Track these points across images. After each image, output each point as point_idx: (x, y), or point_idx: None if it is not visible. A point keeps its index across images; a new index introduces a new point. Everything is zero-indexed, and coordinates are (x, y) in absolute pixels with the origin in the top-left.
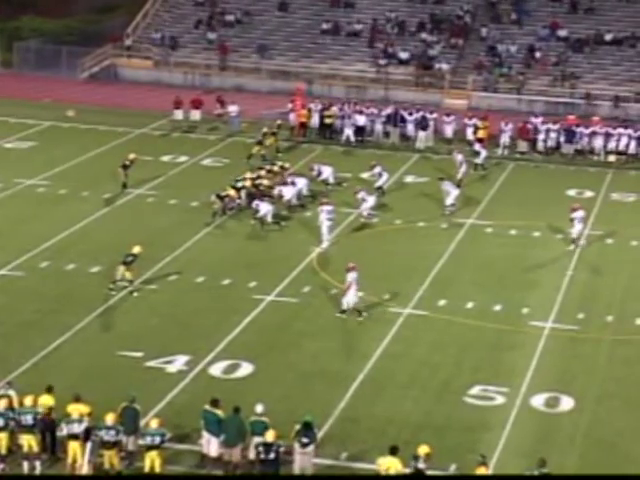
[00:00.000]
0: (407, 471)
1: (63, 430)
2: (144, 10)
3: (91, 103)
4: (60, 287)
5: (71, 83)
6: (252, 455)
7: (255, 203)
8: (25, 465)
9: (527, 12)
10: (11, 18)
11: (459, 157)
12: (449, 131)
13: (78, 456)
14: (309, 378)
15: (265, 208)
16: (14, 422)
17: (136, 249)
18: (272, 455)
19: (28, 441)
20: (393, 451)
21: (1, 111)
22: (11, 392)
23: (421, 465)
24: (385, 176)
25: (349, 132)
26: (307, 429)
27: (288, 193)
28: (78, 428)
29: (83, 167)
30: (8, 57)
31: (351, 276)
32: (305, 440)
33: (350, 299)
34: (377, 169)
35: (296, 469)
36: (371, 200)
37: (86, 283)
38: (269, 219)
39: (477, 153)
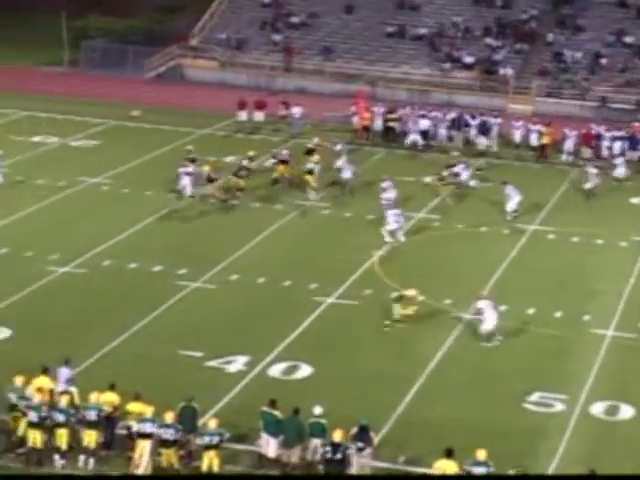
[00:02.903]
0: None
1: (133, 428)
2: (210, 11)
3: (156, 103)
4: (121, 285)
5: (137, 83)
6: (310, 456)
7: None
8: (81, 459)
9: (593, 18)
10: (78, 16)
11: (594, 171)
12: (517, 136)
13: (145, 455)
14: (368, 381)
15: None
16: (75, 418)
17: (410, 292)
18: (339, 455)
19: (89, 437)
20: (449, 454)
21: (67, 109)
22: (72, 389)
23: (481, 469)
24: (466, 174)
25: (416, 136)
26: (363, 433)
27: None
28: (151, 428)
29: (146, 166)
30: (75, 55)
31: (482, 303)
32: (360, 445)
33: (488, 325)
34: (459, 167)
35: (353, 473)
36: (393, 191)
37: (147, 282)
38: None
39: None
